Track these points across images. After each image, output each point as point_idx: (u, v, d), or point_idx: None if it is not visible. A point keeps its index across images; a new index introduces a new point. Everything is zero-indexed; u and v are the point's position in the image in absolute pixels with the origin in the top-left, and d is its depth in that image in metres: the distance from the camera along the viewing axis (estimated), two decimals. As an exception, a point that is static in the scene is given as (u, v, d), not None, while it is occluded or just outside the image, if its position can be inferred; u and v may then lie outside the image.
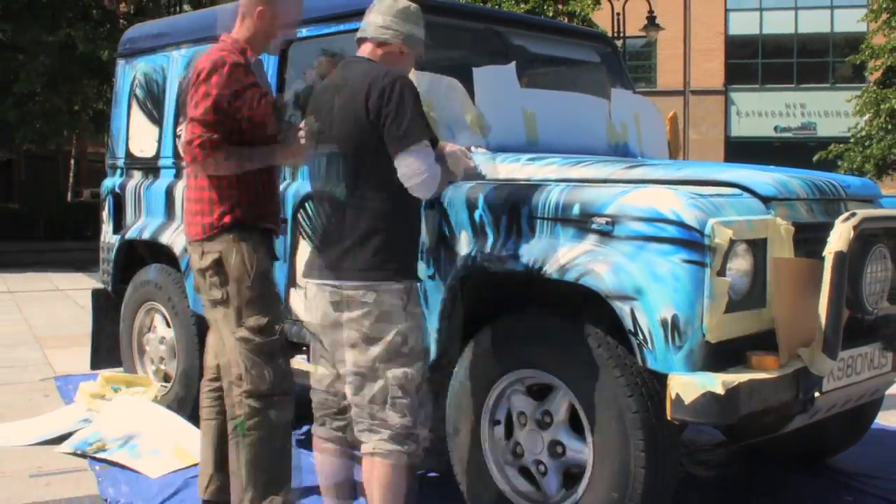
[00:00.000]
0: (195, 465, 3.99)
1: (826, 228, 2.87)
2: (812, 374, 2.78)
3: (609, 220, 2.81)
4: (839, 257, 2.78)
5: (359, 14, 3.67)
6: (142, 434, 4.21)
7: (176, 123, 4.72)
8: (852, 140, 19.82)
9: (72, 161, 24.70)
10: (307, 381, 3.90)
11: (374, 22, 2.97)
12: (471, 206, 3.20)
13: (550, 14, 17.85)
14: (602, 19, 19.99)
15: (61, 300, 11.05)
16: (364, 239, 2.81)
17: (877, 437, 4.52)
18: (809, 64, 29.47)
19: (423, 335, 3.00)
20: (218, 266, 3.11)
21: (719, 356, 2.68)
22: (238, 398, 3.09)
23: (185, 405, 4.55)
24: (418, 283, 2.97)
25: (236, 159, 3.10)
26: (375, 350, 2.81)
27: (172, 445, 4.13)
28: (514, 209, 3.07)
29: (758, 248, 2.75)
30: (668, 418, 2.68)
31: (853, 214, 2.89)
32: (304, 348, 4.23)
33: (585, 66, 4.64)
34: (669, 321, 2.64)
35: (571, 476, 3.00)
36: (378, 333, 2.81)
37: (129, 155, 5.11)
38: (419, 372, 2.86)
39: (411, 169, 2.76)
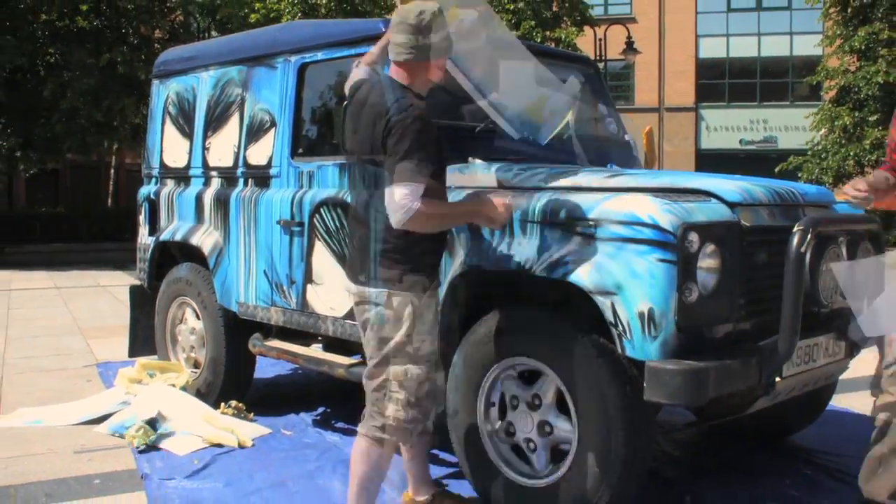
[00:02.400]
0: (219, 444, 4.01)
1: (786, 231, 2.87)
2: (773, 361, 2.79)
3: (592, 223, 2.81)
4: (798, 257, 2.78)
5: (369, 39, 3.69)
6: (172, 418, 4.21)
7: (205, 137, 4.72)
8: (810, 153, 19.79)
9: (111, 170, 24.70)
10: (321, 367, 3.92)
11: (394, 41, 2.76)
12: (468, 211, 3.19)
13: (539, 39, 17.86)
14: (585, 44, 20.01)
15: (102, 295, 11.06)
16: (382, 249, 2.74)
17: (832, 417, 4.52)
18: (771, 84, 29.47)
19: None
20: None
21: (690, 345, 2.69)
22: None
23: (214, 389, 4.56)
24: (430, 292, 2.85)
25: None
26: (384, 347, 2.77)
27: (199, 428, 4.12)
28: (507, 214, 3.07)
29: (724, 248, 2.75)
30: (645, 401, 2.69)
31: (810, 219, 2.89)
32: (319, 338, 4.24)
33: (571, 85, 4.63)
34: (646, 314, 2.64)
35: (559, 452, 2.99)
36: (388, 333, 2.75)
37: (162, 165, 5.11)
38: (422, 372, 2.77)
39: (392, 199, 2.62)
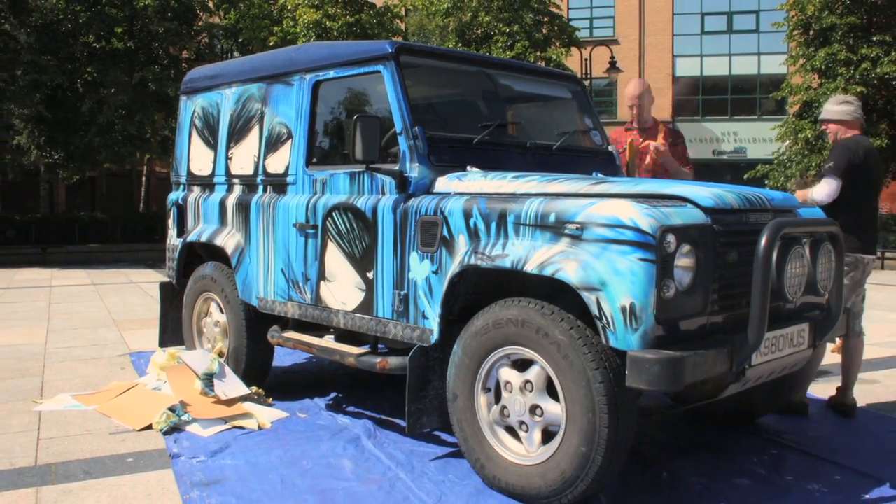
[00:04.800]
0: (240, 426, 4.00)
1: (755, 233, 2.87)
2: (743, 351, 2.78)
3: (579, 226, 2.80)
4: (766, 256, 2.78)
5: (375, 59, 3.68)
6: (193, 404, 4.19)
7: (228, 148, 4.72)
8: (776, 162, 19.76)
9: (143, 178, 24.69)
10: (334, 356, 3.91)
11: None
12: (467, 215, 3.20)
13: (532, 59, 17.86)
14: (573, 63, 20.00)
15: (135, 291, 11.05)
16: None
17: (796, 402, 4.51)
18: (741, 100, 29.47)
19: (430, 318, 2.90)
20: None
21: (668, 336, 2.68)
22: None
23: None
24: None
25: None
26: None
27: (221, 412, 4.11)
28: (502, 217, 3.07)
29: (699, 248, 2.75)
30: (627, 387, 2.68)
31: (777, 222, 2.89)
32: (332, 330, 4.24)
33: (560, 101, 4.64)
34: (628, 308, 2.63)
35: (548, 433, 2.99)
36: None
37: (189, 173, 5.11)
38: None
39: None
